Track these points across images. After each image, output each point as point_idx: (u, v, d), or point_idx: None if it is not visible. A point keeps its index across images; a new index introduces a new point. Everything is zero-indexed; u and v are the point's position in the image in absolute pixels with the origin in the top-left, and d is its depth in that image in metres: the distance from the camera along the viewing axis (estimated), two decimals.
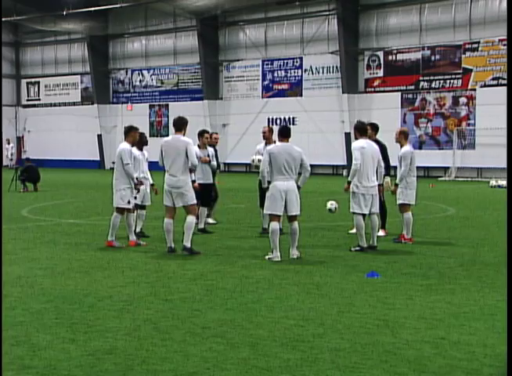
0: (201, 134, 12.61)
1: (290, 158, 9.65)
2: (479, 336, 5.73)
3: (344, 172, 13.16)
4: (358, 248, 10.37)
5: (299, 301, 6.99)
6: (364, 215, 10.52)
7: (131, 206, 10.84)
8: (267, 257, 9.68)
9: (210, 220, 13.51)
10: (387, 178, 12.03)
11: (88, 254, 10.12)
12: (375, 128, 12.13)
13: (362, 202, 10.41)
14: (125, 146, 10.69)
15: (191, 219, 9.96)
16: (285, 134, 9.93)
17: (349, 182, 10.46)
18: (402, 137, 11.49)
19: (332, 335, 5.73)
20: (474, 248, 10.81)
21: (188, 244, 9.90)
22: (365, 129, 10.76)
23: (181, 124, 10.17)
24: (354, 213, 10.49)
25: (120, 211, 10.76)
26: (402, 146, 11.45)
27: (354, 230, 12.39)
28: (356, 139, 10.79)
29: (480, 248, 10.76)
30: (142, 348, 5.35)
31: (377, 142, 12.37)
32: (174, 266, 9.04)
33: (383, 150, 12.15)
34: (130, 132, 10.88)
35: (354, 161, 10.37)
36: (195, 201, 10.16)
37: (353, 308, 6.71)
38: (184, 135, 10.18)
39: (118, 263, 9.28)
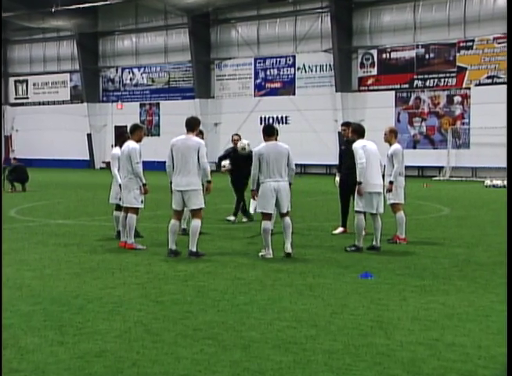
0: (196, 135, 12.59)
1: (279, 156, 9.79)
2: (473, 337, 5.75)
3: (337, 177, 13.13)
4: (353, 248, 10.37)
5: (292, 303, 6.99)
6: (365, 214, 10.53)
7: (143, 205, 10.89)
8: (260, 254, 9.88)
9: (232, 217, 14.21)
10: None
11: (77, 255, 10.09)
12: (349, 126, 12.57)
13: (367, 201, 10.41)
14: (134, 144, 10.75)
15: (197, 223, 9.89)
16: (270, 132, 10.00)
17: (360, 183, 10.36)
18: (393, 136, 11.51)
19: (325, 337, 5.74)
20: (468, 249, 10.84)
21: (194, 249, 9.87)
22: (364, 131, 10.76)
23: (194, 124, 10.11)
24: (357, 212, 10.46)
25: (135, 210, 10.77)
26: (390, 145, 11.45)
27: (337, 231, 12.52)
28: (355, 140, 10.77)
29: (474, 249, 10.79)
30: (133, 351, 5.34)
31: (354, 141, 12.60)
32: (165, 267, 9.03)
33: None
34: (136, 131, 10.92)
35: (359, 160, 10.30)
36: (203, 205, 10.08)
37: (346, 309, 6.72)
38: (195, 136, 10.10)
39: (108, 264, 9.26)
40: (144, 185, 10.72)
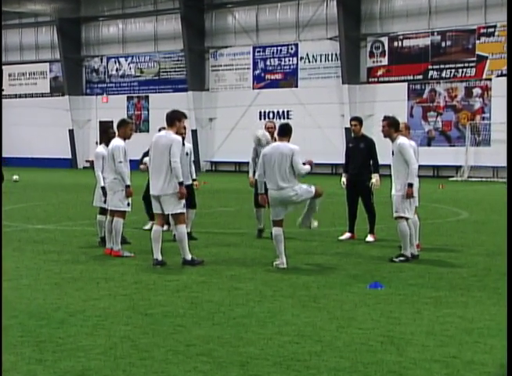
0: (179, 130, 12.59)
1: (282, 158, 9.71)
2: (495, 355, 5.75)
3: (344, 177, 13.12)
4: (402, 258, 10.26)
5: (294, 316, 7.00)
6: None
7: (130, 209, 10.95)
8: (274, 263, 9.84)
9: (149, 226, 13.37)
10: (377, 176, 12.24)
11: (58, 263, 10.09)
12: (361, 122, 12.73)
13: (412, 206, 10.40)
14: (118, 142, 10.81)
15: (181, 230, 9.92)
16: (282, 132, 9.99)
17: (411, 185, 10.25)
18: (408, 132, 11.55)
19: (330, 353, 5.75)
20: (489, 256, 10.86)
21: (188, 257, 9.87)
22: (400, 124, 10.73)
23: (172, 119, 10.05)
24: (403, 218, 10.31)
25: (122, 214, 10.80)
26: None
27: (344, 236, 12.59)
28: (387, 136, 10.58)
29: (496, 256, 10.81)
30: (119, 369, 5.34)
31: (364, 137, 12.62)
32: (154, 277, 9.04)
33: (371, 145, 12.41)
34: (121, 127, 10.99)
35: (411, 160, 10.24)
36: (183, 210, 10.05)
37: (354, 323, 6.73)
38: (177, 131, 10.11)
39: (92, 274, 9.27)
40: (128, 186, 10.74)
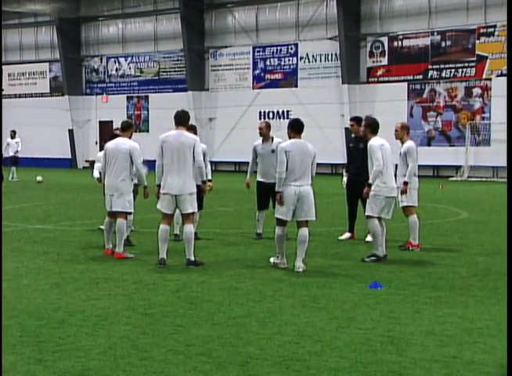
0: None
1: (307, 157, 9.72)
2: (495, 355, 5.75)
3: (345, 177, 13.18)
4: (373, 258, 10.29)
5: (294, 316, 7.01)
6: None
7: (133, 210, 11.03)
8: (272, 260, 9.84)
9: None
10: None
11: (57, 263, 10.10)
12: (358, 122, 12.59)
13: (382, 205, 10.39)
14: (135, 143, 10.85)
15: (190, 229, 9.91)
16: (298, 129, 9.87)
17: (370, 185, 10.38)
18: (405, 132, 11.56)
19: (330, 353, 5.75)
20: (489, 256, 10.87)
21: (192, 258, 9.87)
22: (378, 126, 10.74)
23: (187, 118, 10.22)
24: (370, 217, 10.37)
25: (125, 216, 10.82)
26: (402, 142, 11.50)
27: (344, 236, 12.60)
28: (366, 136, 10.77)
29: (496, 256, 10.82)
30: (119, 369, 5.34)
31: (365, 137, 12.59)
32: (154, 277, 9.05)
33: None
34: (130, 129, 11.13)
35: (376, 162, 10.31)
36: (196, 209, 10.17)
37: (354, 323, 6.73)
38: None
39: (92, 274, 9.27)
40: (145, 187, 10.77)
